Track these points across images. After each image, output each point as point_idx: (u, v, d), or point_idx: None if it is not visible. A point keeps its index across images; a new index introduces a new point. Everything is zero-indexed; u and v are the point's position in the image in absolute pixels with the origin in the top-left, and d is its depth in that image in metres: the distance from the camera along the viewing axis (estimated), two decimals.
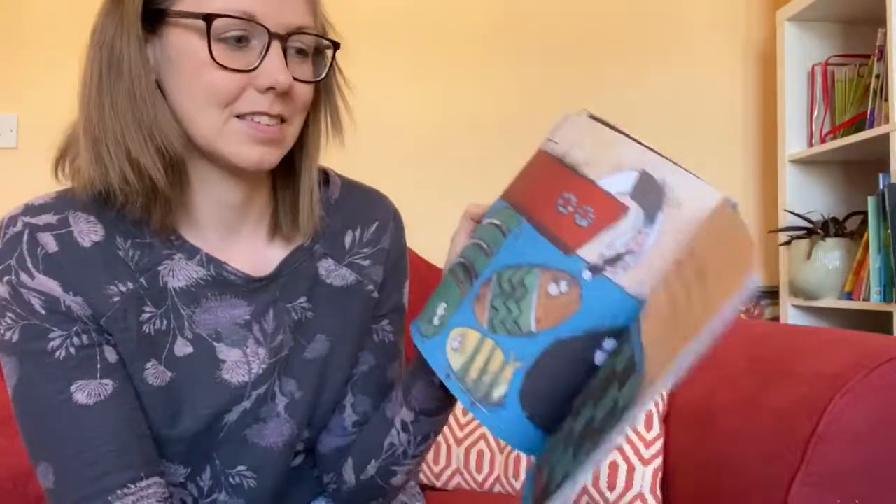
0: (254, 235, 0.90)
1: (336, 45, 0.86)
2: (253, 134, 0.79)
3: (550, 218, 0.67)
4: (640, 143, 0.64)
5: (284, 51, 0.79)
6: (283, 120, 0.81)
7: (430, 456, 1.64)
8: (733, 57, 2.58)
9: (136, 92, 0.78)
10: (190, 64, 0.78)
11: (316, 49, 0.85)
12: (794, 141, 2.41)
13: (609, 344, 0.61)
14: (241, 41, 0.78)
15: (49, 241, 0.79)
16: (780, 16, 2.42)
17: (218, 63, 0.77)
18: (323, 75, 0.85)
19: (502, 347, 0.66)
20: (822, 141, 2.34)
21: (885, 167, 2.03)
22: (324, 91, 0.88)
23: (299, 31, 0.80)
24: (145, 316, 0.83)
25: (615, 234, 0.62)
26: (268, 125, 0.79)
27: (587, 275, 0.62)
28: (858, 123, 2.23)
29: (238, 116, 0.79)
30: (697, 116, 2.55)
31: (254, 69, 0.77)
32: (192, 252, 0.86)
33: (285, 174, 0.90)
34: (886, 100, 2.05)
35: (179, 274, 0.85)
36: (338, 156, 0.93)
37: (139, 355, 0.83)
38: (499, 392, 0.64)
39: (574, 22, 2.50)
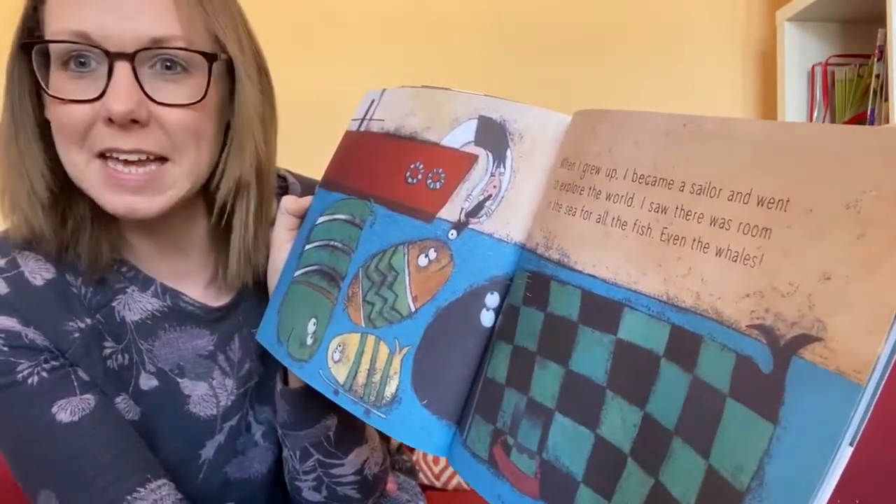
0: (201, 271, 0.81)
1: (210, 58, 0.70)
2: (111, 179, 0.68)
3: (401, 193, 0.62)
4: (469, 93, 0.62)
5: (135, 71, 0.66)
6: (149, 157, 0.68)
7: (429, 456, 1.61)
8: (733, 57, 2.53)
9: (9, 130, 0.71)
10: (45, 99, 0.70)
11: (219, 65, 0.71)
12: None
13: (492, 300, 0.55)
14: (84, 65, 0.66)
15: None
16: (780, 16, 2.38)
17: (52, 95, 0.67)
18: (199, 97, 0.69)
19: (385, 339, 0.59)
20: None
21: None
22: (233, 115, 0.75)
23: (156, 45, 0.66)
24: (107, 351, 0.76)
25: (471, 185, 0.58)
26: (128, 172, 0.68)
27: (453, 234, 0.58)
28: (858, 123, 2.18)
29: (100, 157, 0.68)
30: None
31: (98, 97, 0.66)
32: (146, 283, 0.78)
33: (220, 215, 0.77)
34: (886, 100, 2.01)
35: (134, 307, 0.77)
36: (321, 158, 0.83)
37: (108, 390, 0.75)
38: (391, 388, 0.57)
39: (572, 21, 2.44)
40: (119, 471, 0.71)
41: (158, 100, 0.67)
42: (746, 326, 0.35)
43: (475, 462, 0.52)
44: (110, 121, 0.66)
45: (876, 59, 2.11)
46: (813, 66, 2.33)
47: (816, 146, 0.35)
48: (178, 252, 0.80)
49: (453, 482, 1.58)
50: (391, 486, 0.93)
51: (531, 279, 0.52)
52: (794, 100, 2.34)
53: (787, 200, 0.35)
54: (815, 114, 2.31)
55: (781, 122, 0.37)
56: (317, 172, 0.90)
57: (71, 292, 0.75)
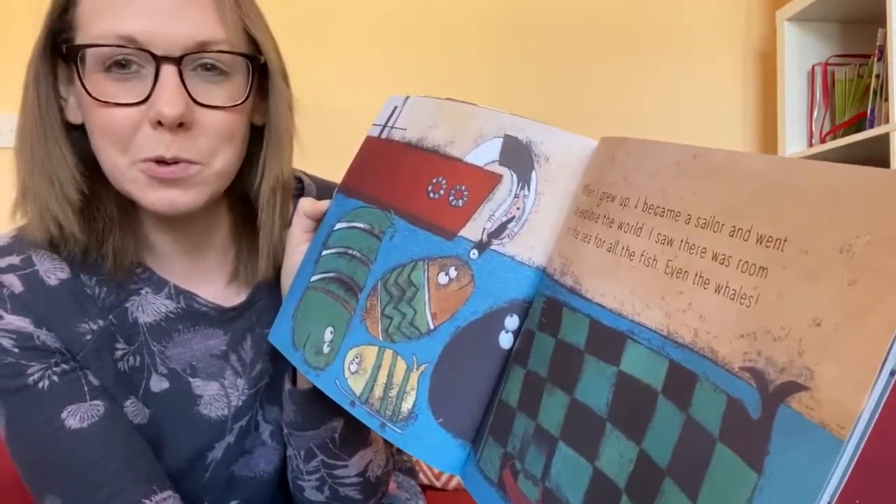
0: (220, 269, 0.81)
1: (252, 59, 0.71)
2: (153, 175, 0.67)
3: (423, 207, 0.61)
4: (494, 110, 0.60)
5: (181, 74, 0.65)
6: (185, 161, 0.68)
7: None
8: (733, 57, 2.49)
9: (36, 134, 0.70)
10: (84, 103, 0.68)
11: (252, 66, 0.72)
12: (794, 141, 2.32)
13: (511, 323, 0.54)
14: (128, 68, 0.66)
15: (14, 282, 0.71)
16: (780, 16, 2.34)
17: (97, 99, 0.66)
18: (241, 100, 0.70)
19: (403, 355, 0.58)
20: (822, 141, 2.25)
21: (885, 167, 1.93)
22: (266, 115, 0.76)
23: (201, 48, 0.66)
24: (118, 353, 0.75)
25: (494, 205, 0.56)
26: (167, 165, 0.67)
27: (474, 254, 0.56)
28: (858, 123, 2.14)
29: (142, 161, 0.68)
30: (697, 116, 2.46)
31: (144, 100, 0.65)
32: (159, 285, 0.77)
33: (244, 214, 0.79)
34: (886, 100, 1.97)
35: (148, 309, 0.76)
36: (322, 162, 0.84)
37: (118, 392, 0.75)
38: (408, 404, 0.56)
39: (573, 21, 2.42)
40: (125, 480, 0.70)
41: (203, 102, 0.67)
42: (739, 368, 0.34)
43: (486, 484, 0.51)
44: (159, 124, 0.65)
45: (876, 59, 2.06)
46: (813, 66, 2.29)
47: (816, 185, 0.33)
48: (198, 251, 0.79)
49: (453, 482, 1.57)
50: (391, 485, 0.93)
51: (546, 304, 0.51)
52: (794, 100, 2.29)
53: (785, 240, 0.33)
54: (815, 113, 2.25)
55: (784, 158, 0.35)
56: (313, 172, 0.90)
57: (85, 293, 0.74)
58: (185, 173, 0.68)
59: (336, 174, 0.89)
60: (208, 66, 0.68)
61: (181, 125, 0.66)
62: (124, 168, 0.68)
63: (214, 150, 0.70)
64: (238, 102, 0.70)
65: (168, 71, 0.65)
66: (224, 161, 0.71)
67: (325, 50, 2.21)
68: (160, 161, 0.67)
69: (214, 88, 0.68)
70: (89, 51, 0.66)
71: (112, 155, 0.68)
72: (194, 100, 0.67)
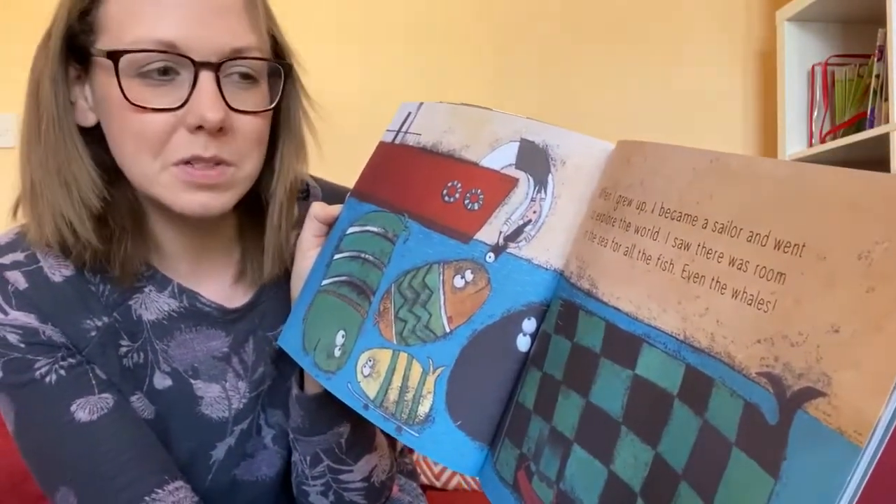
0: (225, 270, 0.81)
1: (286, 67, 0.72)
2: (189, 179, 0.68)
3: (438, 211, 0.60)
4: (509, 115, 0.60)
5: (218, 80, 0.66)
6: (223, 162, 0.68)
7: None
8: (733, 57, 2.49)
9: (51, 137, 0.69)
10: (113, 107, 0.67)
11: (271, 70, 0.73)
12: (794, 141, 2.31)
13: (529, 326, 0.54)
14: (166, 74, 0.66)
15: (18, 279, 0.71)
16: (780, 16, 2.33)
17: (134, 104, 0.65)
18: (272, 104, 0.72)
19: (419, 358, 0.57)
20: (822, 141, 2.24)
21: (885, 167, 1.92)
22: (283, 118, 0.76)
23: (237, 55, 0.67)
24: (123, 349, 0.75)
25: (510, 209, 0.56)
26: (204, 170, 0.68)
27: (490, 257, 0.56)
28: (858, 123, 2.13)
29: (175, 164, 0.67)
30: (697, 116, 2.45)
31: (181, 105, 0.65)
32: (163, 283, 0.77)
33: (250, 215, 0.79)
34: (886, 100, 1.96)
35: (151, 307, 0.76)
36: (320, 163, 0.85)
37: (124, 388, 0.75)
38: (424, 408, 0.56)
39: (572, 21, 2.41)
40: (138, 471, 0.70)
41: (237, 108, 0.68)
42: (756, 373, 0.33)
43: (501, 485, 0.51)
44: (198, 129, 0.66)
45: (876, 59, 2.05)
46: (813, 66, 2.28)
47: (835, 191, 0.32)
48: (204, 252, 0.79)
49: (453, 482, 1.58)
50: (393, 488, 0.93)
51: (563, 308, 0.51)
52: (794, 100, 2.28)
53: (803, 246, 0.33)
54: (815, 114, 2.24)
55: (802, 164, 0.35)
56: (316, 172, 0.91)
57: (89, 290, 0.74)
58: (222, 178, 0.69)
59: (335, 175, 0.90)
60: (243, 72, 0.69)
61: (220, 130, 0.67)
62: (155, 173, 0.68)
63: (246, 153, 0.71)
64: (269, 108, 0.72)
65: (206, 77, 0.66)
66: (253, 164, 0.72)
67: (326, 52, 2.21)
68: (195, 162, 0.68)
69: (245, 94, 0.69)
70: (126, 55, 0.66)
71: (141, 160, 0.68)
72: (230, 105, 0.68)
